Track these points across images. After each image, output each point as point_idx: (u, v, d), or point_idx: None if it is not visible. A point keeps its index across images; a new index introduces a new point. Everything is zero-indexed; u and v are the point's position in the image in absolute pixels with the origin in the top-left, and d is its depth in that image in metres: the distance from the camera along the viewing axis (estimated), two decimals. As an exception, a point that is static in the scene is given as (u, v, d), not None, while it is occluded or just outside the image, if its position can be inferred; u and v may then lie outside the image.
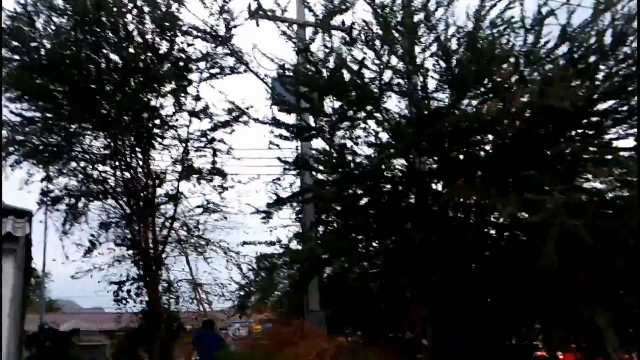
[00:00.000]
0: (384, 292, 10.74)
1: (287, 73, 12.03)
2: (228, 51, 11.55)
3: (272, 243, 10.04)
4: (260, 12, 11.52)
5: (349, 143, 10.02)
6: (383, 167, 9.21)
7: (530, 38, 9.26)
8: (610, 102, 8.54)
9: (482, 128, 9.13)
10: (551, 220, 6.30)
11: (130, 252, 13.34)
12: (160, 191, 13.12)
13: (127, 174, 12.74)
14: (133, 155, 12.57)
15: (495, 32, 9.48)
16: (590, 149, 8.40)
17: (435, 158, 9.24)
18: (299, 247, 9.94)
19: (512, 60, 9.48)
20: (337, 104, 10.05)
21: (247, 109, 11.57)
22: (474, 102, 9.54)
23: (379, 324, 11.96)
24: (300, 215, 12.16)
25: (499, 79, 9.57)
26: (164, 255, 13.13)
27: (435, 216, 8.46)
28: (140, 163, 12.62)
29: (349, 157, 9.31)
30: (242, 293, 12.91)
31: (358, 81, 8.89)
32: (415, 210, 8.43)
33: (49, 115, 11.87)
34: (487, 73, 9.48)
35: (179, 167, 12.80)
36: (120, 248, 13.34)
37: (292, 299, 12.38)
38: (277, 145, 12.36)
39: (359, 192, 9.52)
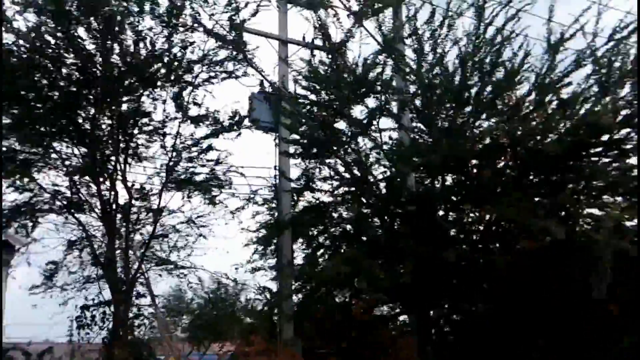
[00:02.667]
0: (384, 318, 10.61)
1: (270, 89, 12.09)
2: (233, 51, 11.20)
3: (281, 267, 9.79)
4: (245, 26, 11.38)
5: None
6: (400, 183, 9.19)
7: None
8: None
9: (500, 149, 9.22)
10: (607, 240, 6.38)
11: (97, 272, 12.50)
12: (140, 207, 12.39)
13: (104, 186, 11.95)
14: (113, 165, 11.86)
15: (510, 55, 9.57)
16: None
17: (455, 177, 9.25)
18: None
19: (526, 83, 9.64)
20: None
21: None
22: (490, 122, 9.64)
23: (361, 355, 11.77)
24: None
25: (511, 104, 9.73)
26: (137, 276, 12.34)
27: (461, 238, 8.43)
28: (120, 174, 11.90)
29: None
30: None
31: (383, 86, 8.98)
32: (439, 231, 8.36)
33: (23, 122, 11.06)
34: (500, 97, 9.61)
35: (163, 178, 12.14)
36: (86, 268, 12.53)
37: (266, 326, 12.13)
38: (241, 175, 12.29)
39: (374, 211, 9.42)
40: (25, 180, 12.05)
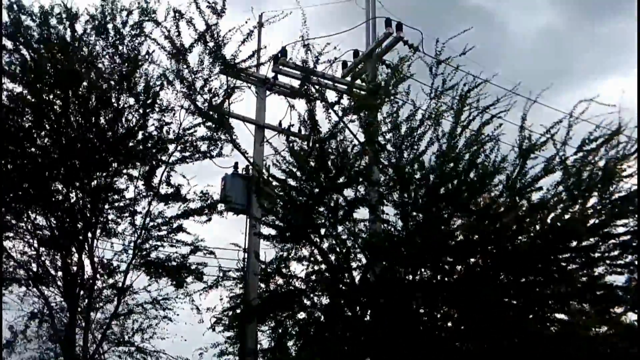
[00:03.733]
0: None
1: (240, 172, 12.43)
2: (217, 131, 11.50)
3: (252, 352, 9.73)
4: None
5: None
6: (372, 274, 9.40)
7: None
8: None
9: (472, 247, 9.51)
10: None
11: (55, 349, 12.13)
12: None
13: (70, 260, 11.80)
14: (81, 239, 11.76)
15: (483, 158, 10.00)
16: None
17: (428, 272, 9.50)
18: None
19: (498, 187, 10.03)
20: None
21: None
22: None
23: None
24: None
25: (484, 204, 10.08)
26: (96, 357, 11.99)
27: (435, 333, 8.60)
28: (87, 249, 11.79)
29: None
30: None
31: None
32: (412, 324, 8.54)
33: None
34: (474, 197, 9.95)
35: (129, 256, 12.09)
36: (42, 345, 12.15)
37: None
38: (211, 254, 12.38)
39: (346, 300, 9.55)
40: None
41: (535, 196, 9.64)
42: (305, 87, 10.64)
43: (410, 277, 9.81)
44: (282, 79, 12.41)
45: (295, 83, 11.79)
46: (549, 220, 9.26)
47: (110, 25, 11.78)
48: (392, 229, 9.97)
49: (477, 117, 10.03)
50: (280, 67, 11.94)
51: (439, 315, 9.42)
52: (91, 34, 11.80)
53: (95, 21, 11.65)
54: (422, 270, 9.76)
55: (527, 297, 8.89)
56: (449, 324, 9.48)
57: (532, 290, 8.97)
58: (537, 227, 9.35)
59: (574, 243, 8.99)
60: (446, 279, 9.63)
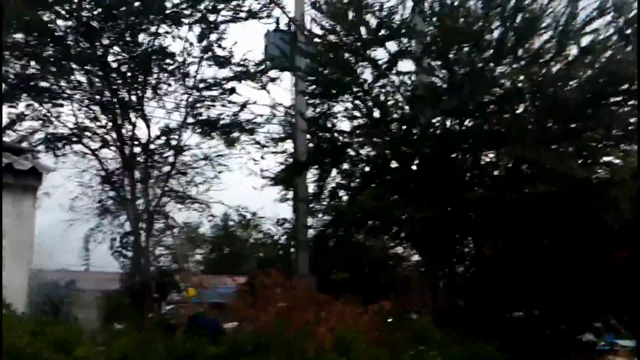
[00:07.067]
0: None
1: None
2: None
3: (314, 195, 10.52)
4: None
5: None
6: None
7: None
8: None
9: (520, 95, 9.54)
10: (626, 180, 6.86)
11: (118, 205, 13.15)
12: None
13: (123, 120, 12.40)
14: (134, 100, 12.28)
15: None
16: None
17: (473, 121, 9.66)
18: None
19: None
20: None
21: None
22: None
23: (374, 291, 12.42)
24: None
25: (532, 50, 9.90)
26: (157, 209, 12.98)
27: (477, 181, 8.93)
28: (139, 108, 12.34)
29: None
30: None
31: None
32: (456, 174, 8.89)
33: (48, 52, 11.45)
34: (521, 43, 9.79)
35: (182, 116, 12.61)
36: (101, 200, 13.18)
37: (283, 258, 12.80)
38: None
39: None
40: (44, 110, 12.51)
41: (586, 40, 9.50)
42: None
43: (456, 126, 10.09)
44: None
45: None
46: (601, 62, 9.12)
47: None
48: (436, 80, 10.06)
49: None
50: None
51: (483, 163, 9.72)
52: None
53: None
54: (467, 120, 9.96)
55: (576, 142, 8.99)
56: (495, 172, 9.79)
57: (582, 135, 9.07)
58: (588, 71, 9.24)
59: (625, 86, 8.93)
60: (492, 128, 9.82)
